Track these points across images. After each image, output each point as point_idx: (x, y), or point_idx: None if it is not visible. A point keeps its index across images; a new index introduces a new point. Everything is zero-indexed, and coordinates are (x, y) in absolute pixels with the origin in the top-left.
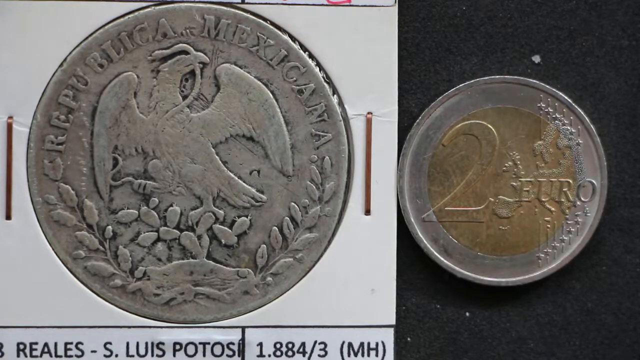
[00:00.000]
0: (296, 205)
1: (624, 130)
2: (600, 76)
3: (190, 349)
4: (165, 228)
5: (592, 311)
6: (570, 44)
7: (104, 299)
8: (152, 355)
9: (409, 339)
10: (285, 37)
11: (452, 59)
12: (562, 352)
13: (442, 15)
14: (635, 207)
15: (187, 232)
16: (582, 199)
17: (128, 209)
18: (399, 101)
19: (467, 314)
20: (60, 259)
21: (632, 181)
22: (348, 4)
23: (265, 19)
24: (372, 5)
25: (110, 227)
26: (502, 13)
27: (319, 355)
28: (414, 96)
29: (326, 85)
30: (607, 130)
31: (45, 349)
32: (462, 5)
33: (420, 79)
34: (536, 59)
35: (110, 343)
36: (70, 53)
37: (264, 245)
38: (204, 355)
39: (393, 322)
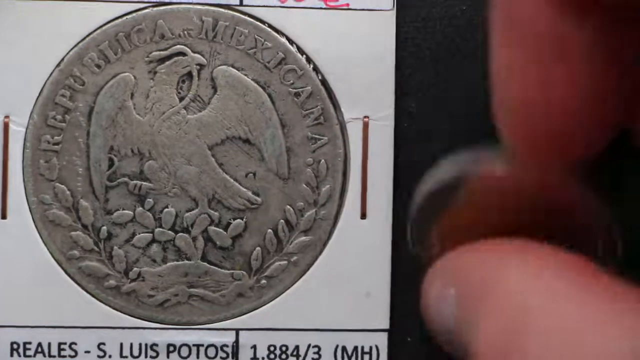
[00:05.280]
0: (291, 208)
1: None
2: None
3: (184, 351)
4: (161, 229)
5: None
6: None
7: (98, 299)
8: (146, 357)
9: (409, 339)
10: (283, 40)
11: (452, 59)
12: None
13: (442, 15)
14: None
15: (182, 233)
16: None
17: (123, 209)
18: (397, 101)
19: None
20: (55, 259)
21: None
22: (346, 7)
23: (262, 22)
24: (370, 9)
25: (105, 227)
26: None
27: (313, 359)
28: (413, 96)
29: (323, 88)
30: None
31: (39, 349)
32: (462, 5)
33: (420, 79)
34: None
35: (104, 344)
36: (67, 53)
37: (259, 248)
38: (198, 357)
39: (387, 326)
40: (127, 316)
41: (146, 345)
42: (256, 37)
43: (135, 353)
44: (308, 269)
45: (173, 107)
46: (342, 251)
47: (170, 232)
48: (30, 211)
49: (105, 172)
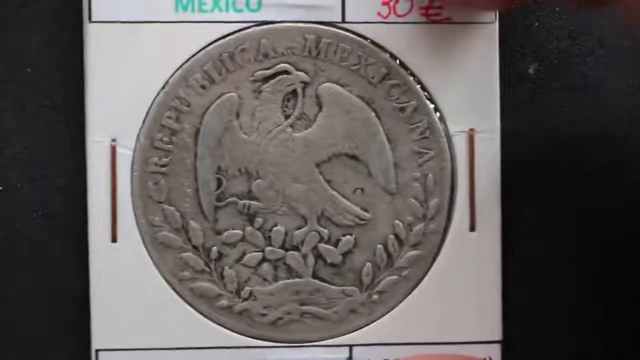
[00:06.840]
0: (400, 223)
1: (624, 130)
2: (600, 76)
3: None
4: (271, 248)
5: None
6: (570, 44)
7: (211, 320)
8: None
9: (522, 349)
10: (386, 55)
11: (555, 73)
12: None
13: (546, 26)
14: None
15: (292, 251)
16: None
17: (233, 229)
18: (502, 113)
19: None
20: (166, 281)
21: None
22: (448, 21)
23: (365, 38)
24: (473, 23)
25: (215, 248)
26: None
27: None
28: (518, 109)
29: (427, 102)
30: (607, 130)
31: None
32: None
33: (522, 91)
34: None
35: None
36: (172, 75)
37: (369, 264)
38: None
39: (500, 337)
40: (240, 336)
41: None
42: (359, 53)
43: None
44: (419, 282)
45: (279, 125)
46: (452, 264)
47: (280, 250)
48: (141, 234)
49: (213, 193)
